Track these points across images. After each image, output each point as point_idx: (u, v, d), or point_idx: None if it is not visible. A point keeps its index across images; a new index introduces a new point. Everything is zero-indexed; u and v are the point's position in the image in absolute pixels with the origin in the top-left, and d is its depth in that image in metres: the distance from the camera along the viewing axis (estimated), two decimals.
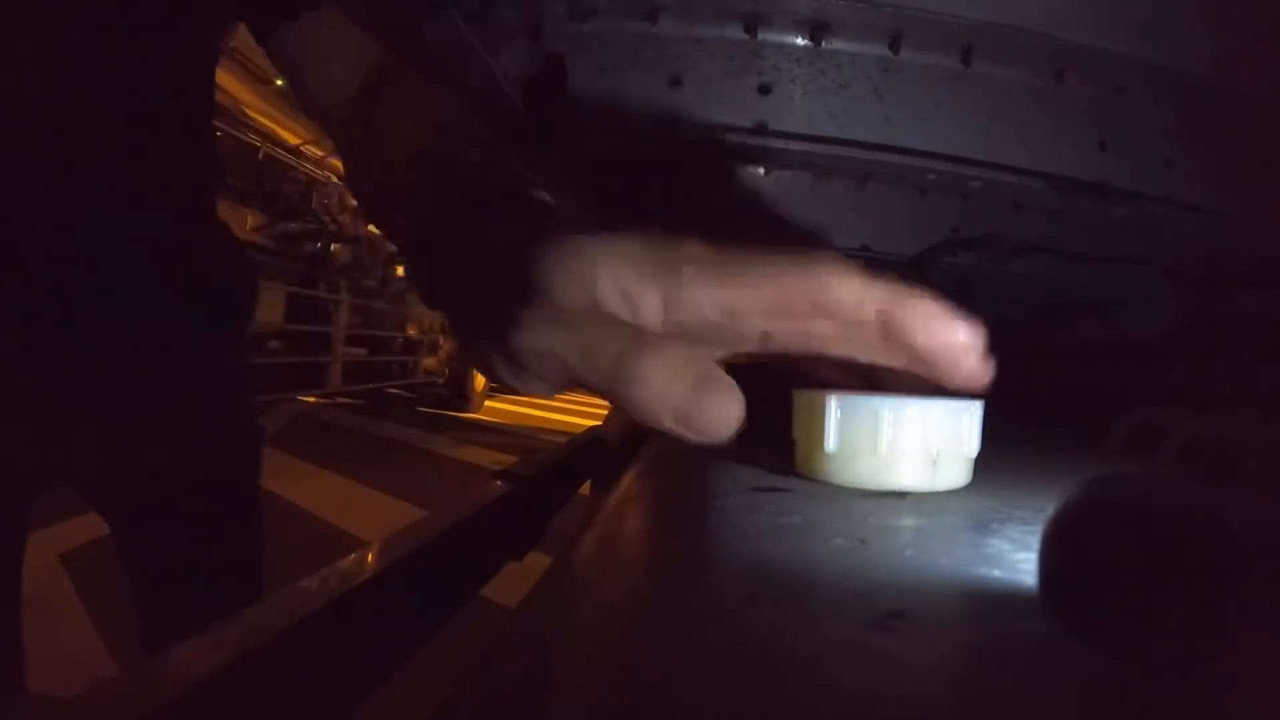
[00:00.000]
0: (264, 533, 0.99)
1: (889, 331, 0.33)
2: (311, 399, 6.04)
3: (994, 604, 0.32)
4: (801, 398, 0.55)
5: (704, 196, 1.29)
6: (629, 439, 1.18)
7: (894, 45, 1.09)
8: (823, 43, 1.12)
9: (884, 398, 0.51)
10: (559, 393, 0.43)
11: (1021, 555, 0.38)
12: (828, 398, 0.52)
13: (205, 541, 0.91)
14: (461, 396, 7.39)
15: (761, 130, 1.14)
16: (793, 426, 0.56)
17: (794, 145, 1.16)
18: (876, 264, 1.35)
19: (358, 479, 4.00)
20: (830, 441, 0.52)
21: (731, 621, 0.29)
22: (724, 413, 0.30)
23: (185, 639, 0.39)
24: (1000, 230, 1.29)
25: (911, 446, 0.51)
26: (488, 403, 8.06)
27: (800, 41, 1.15)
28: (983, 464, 0.61)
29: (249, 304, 0.95)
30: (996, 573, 0.35)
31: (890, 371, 0.50)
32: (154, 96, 0.75)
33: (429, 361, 7.04)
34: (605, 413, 1.71)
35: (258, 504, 0.99)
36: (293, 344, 5.08)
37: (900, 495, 0.52)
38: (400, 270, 6.44)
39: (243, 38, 0.91)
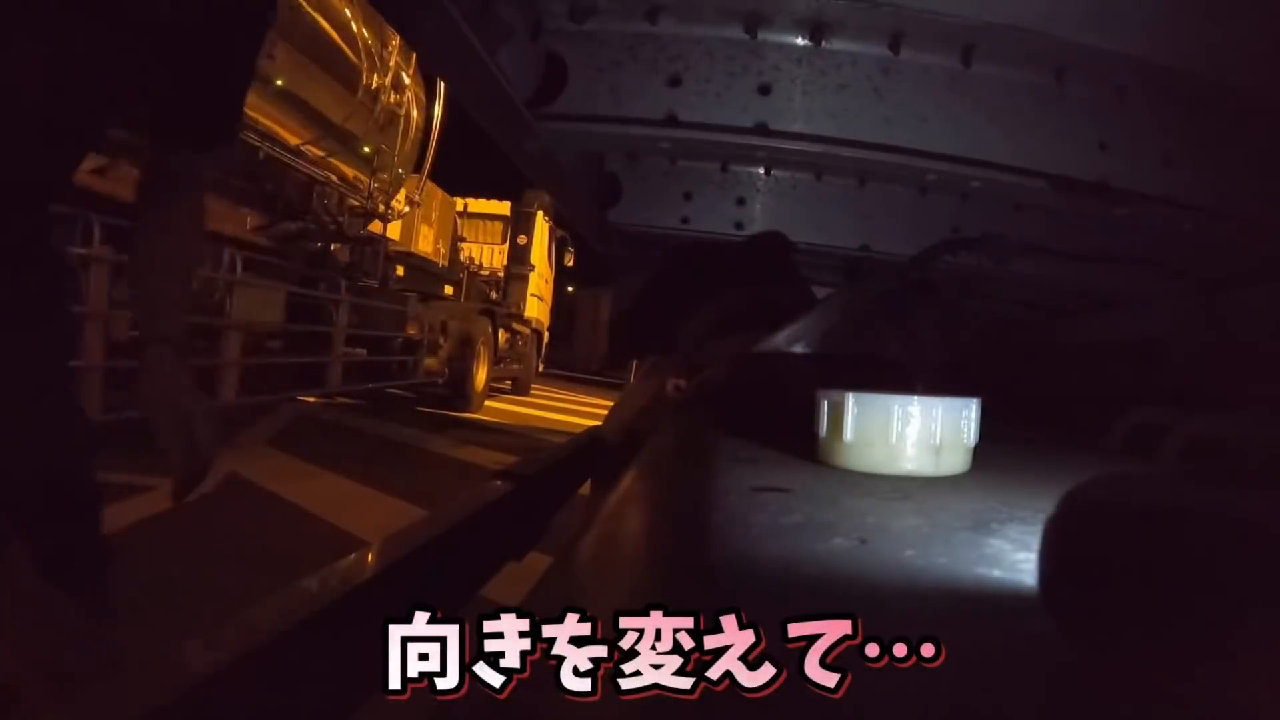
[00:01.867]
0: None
1: None
2: (311, 399, 6.04)
3: (994, 604, 0.31)
4: (824, 396, 0.61)
5: None
6: (629, 439, 1.18)
7: (894, 45, 1.09)
8: (823, 43, 1.12)
9: (895, 395, 0.56)
10: None
11: (1021, 555, 0.38)
12: (847, 396, 0.57)
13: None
14: (461, 396, 7.38)
15: (762, 130, 1.14)
16: (815, 421, 0.62)
17: (794, 145, 1.16)
18: (877, 264, 1.36)
19: (358, 479, 3.99)
20: (848, 433, 0.57)
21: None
22: None
23: (184, 640, 0.38)
24: (1000, 230, 1.29)
25: (918, 437, 0.57)
26: (488, 403, 8.05)
27: (800, 41, 1.15)
28: (983, 462, 0.61)
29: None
30: (996, 573, 0.35)
31: (900, 375, 0.57)
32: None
33: (429, 361, 7.04)
34: (605, 413, 1.71)
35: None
36: (293, 344, 5.07)
37: (902, 493, 0.53)
38: (400, 270, 6.46)
39: None
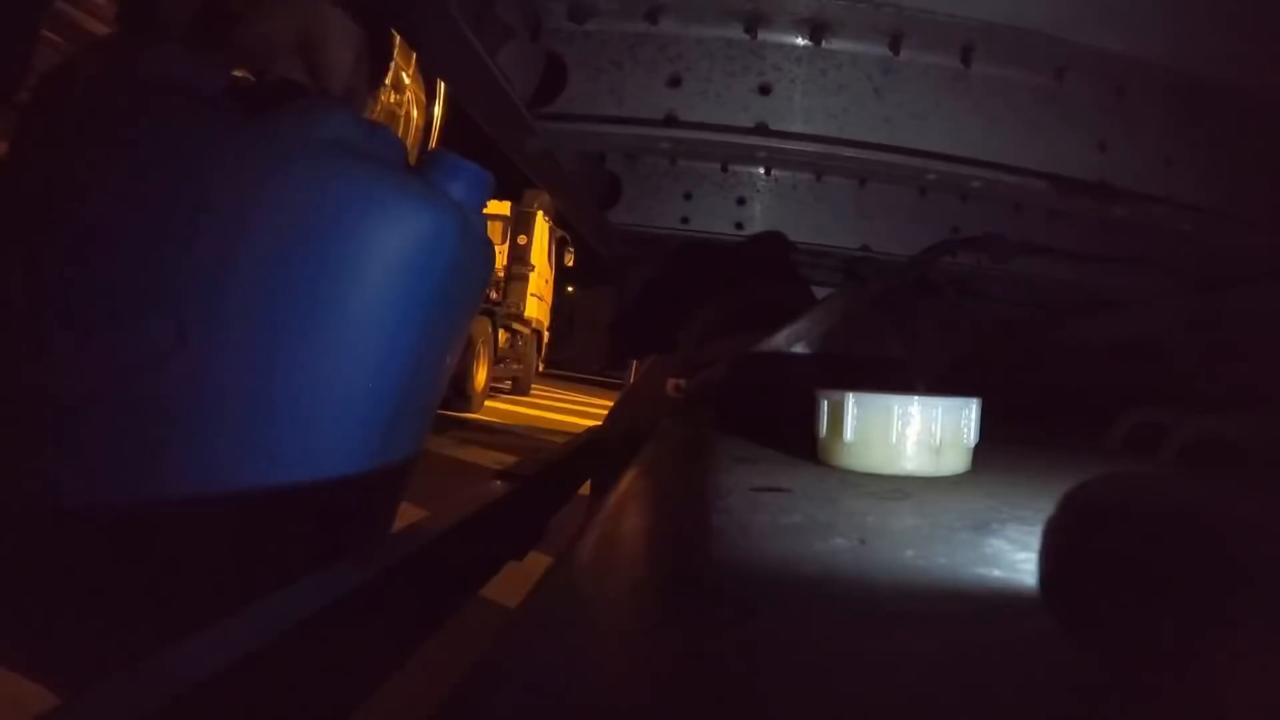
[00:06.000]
0: None
1: None
2: None
3: (994, 604, 0.31)
4: (823, 396, 0.60)
5: None
6: (629, 439, 1.18)
7: (894, 45, 1.09)
8: (823, 43, 1.12)
9: (895, 395, 0.56)
10: None
11: (1021, 555, 0.38)
12: (846, 396, 0.57)
13: None
14: (461, 396, 7.39)
15: (762, 130, 1.14)
16: (815, 421, 0.62)
17: (794, 145, 1.16)
18: (877, 264, 1.36)
19: None
20: (848, 433, 0.57)
21: (731, 621, 0.29)
22: None
23: (187, 639, 0.39)
24: (1000, 230, 1.29)
25: (918, 437, 0.56)
26: (488, 403, 8.05)
27: (800, 41, 1.15)
28: (983, 462, 0.61)
29: None
30: (996, 573, 0.35)
31: (900, 375, 0.56)
32: None
33: None
34: (605, 413, 1.71)
35: None
36: None
37: (902, 494, 0.53)
38: None
39: None
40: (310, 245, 0.67)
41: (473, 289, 0.85)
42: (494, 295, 8.75)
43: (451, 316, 0.81)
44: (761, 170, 1.48)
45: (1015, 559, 0.37)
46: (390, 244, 0.69)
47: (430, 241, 0.71)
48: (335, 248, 0.67)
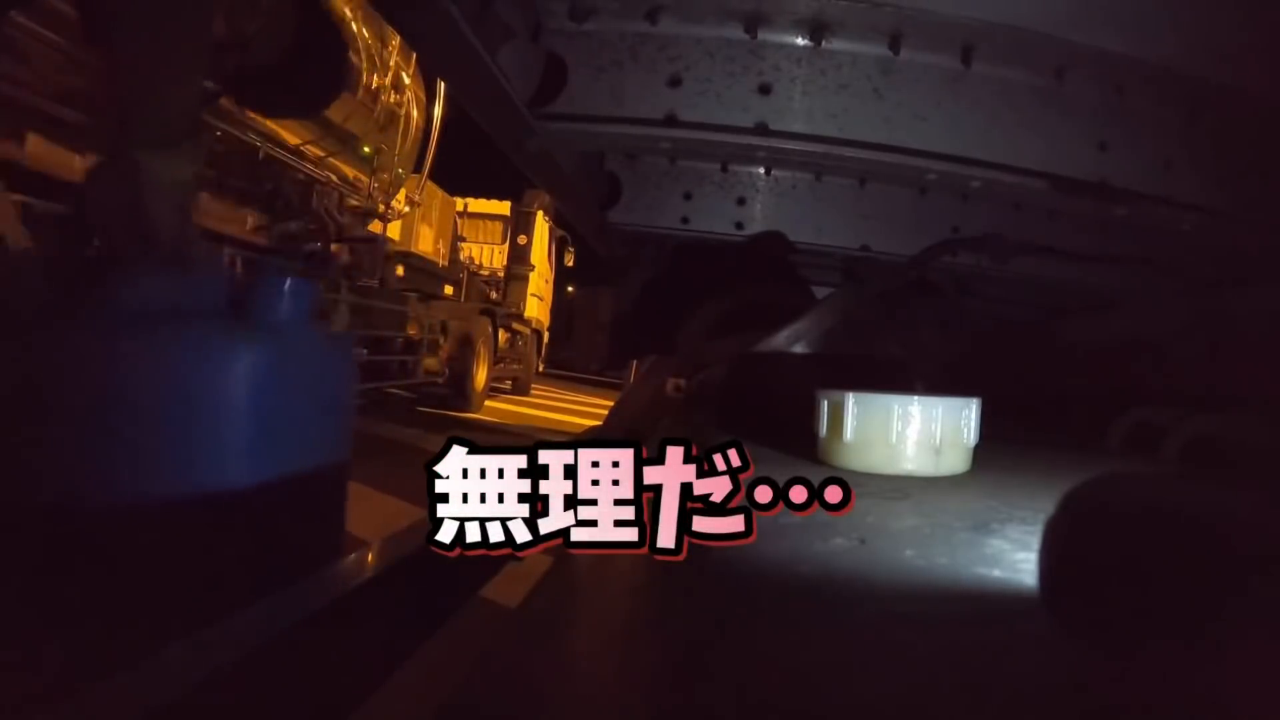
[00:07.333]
0: None
1: None
2: None
3: (994, 604, 0.31)
4: (824, 396, 0.61)
5: None
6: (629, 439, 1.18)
7: (894, 45, 1.09)
8: (823, 43, 1.12)
9: (895, 395, 0.57)
10: None
11: (1021, 555, 0.38)
12: (846, 396, 0.58)
13: None
14: (461, 396, 7.37)
15: (761, 130, 1.14)
16: (815, 421, 0.62)
17: (794, 145, 1.16)
18: (876, 264, 1.36)
19: (357, 478, 3.99)
20: (848, 433, 0.58)
21: (732, 621, 0.29)
22: None
23: (187, 640, 0.39)
24: (1000, 230, 1.29)
25: (918, 437, 0.57)
26: (488, 403, 8.04)
27: (800, 41, 1.15)
28: (983, 462, 0.61)
29: None
30: (996, 573, 0.35)
31: (900, 375, 0.56)
32: None
33: (429, 361, 7.01)
34: (605, 413, 1.71)
35: None
36: None
37: (901, 494, 0.53)
38: (400, 270, 6.44)
39: None
40: (153, 396, 0.91)
41: (320, 378, 1.10)
42: (494, 295, 8.74)
43: (304, 408, 1.07)
44: (761, 170, 1.48)
45: (1015, 559, 0.37)
46: (221, 380, 0.93)
47: (253, 368, 0.94)
48: (175, 394, 0.91)
